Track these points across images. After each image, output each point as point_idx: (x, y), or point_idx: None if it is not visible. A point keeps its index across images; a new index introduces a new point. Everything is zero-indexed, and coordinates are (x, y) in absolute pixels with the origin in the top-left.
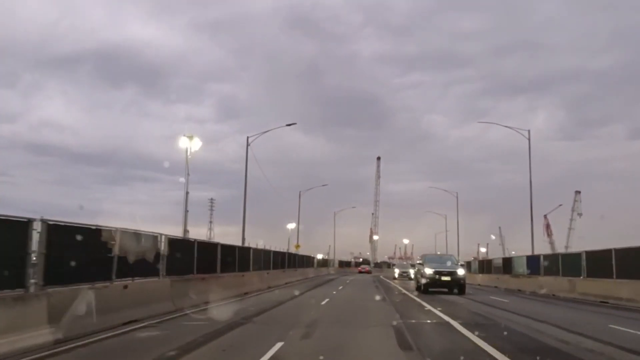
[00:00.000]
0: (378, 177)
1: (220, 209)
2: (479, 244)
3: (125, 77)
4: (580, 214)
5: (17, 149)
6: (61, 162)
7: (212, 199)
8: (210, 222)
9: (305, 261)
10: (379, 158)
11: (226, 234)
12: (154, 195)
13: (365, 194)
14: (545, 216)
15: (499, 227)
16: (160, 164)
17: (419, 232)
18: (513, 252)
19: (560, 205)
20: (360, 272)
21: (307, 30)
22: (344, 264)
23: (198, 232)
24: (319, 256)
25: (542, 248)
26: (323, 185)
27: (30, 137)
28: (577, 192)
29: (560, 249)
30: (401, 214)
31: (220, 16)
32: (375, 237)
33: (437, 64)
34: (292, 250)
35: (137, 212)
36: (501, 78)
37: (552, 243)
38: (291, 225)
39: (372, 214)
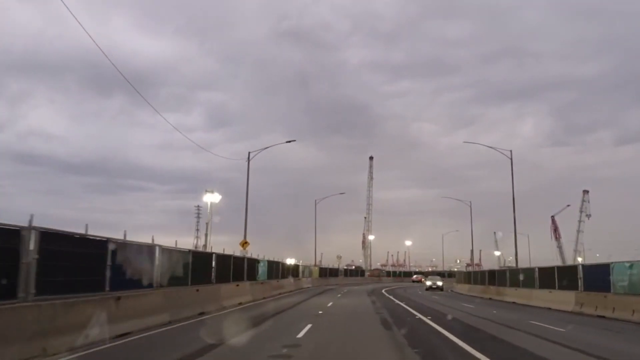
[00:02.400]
0: (370, 178)
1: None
2: (472, 251)
3: (113, 85)
4: (589, 215)
5: (5, 159)
6: (51, 172)
7: (198, 206)
8: (197, 229)
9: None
10: (371, 158)
11: (217, 243)
12: (145, 205)
13: (356, 201)
14: (552, 218)
15: (494, 233)
16: (151, 173)
17: (411, 238)
18: (510, 258)
19: (568, 205)
20: (414, 281)
21: (296, 39)
22: (327, 273)
23: (187, 242)
24: (289, 261)
25: (550, 252)
26: (340, 194)
27: (18, 147)
28: (585, 192)
29: (568, 252)
30: (392, 221)
31: (208, 25)
32: (371, 237)
33: (425, 71)
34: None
35: (128, 222)
36: (489, 85)
37: (560, 247)
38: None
39: (365, 217)
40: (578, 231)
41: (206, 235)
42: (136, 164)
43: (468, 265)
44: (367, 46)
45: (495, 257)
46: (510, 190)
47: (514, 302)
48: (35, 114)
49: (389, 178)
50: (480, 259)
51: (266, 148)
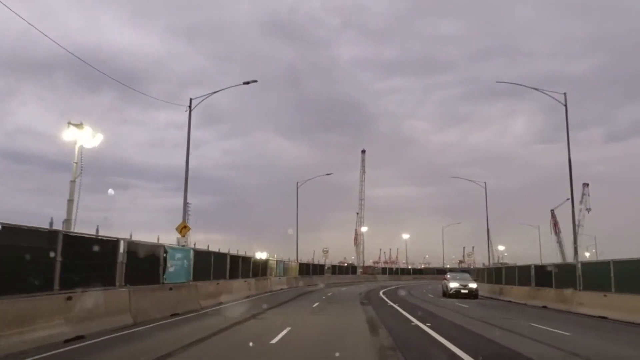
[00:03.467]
0: (363, 172)
1: (201, 215)
2: (464, 248)
3: (102, 82)
4: (589, 209)
5: None
6: (41, 170)
7: (188, 202)
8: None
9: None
10: (363, 151)
11: (208, 242)
12: (136, 203)
13: (349, 200)
14: (552, 212)
15: (487, 229)
16: (142, 171)
17: (404, 236)
18: (506, 254)
19: (568, 199)
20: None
21: (286, 35)
22: (310, 270)
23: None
24: (259, 255)
25: (546, 248)
26: (327, 174)
27: (7, 145)
28: (585, 185)
29: (568, 246)
30: (385, 218)
31: (198, 21)
32: (364, 229)
33: (417, 69)
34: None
35: (119, 220)
36: (480, 83)
37: (560, 242)
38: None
39: (357, 213)
40: (578, 225)
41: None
42: (127, 162)
43: (461, 262)
44: (358, 43)
45: (489, 253)
46: (502, 187)
47: (603, 317)
48: (23, 111)
49: (381, 176)
50: (470, 256)
51: (215, 92)
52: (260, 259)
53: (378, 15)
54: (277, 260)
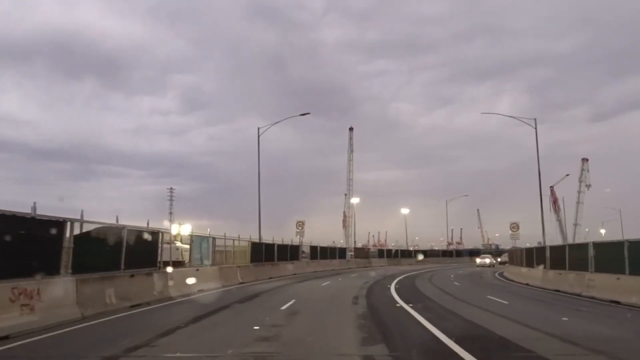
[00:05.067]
0: (351, 151)
1: (187, 202)
2: (452, 230)
3: (83, 69)
4: (588, 186)
5: None
6: (22, 159)
7: (171, 188)
8: (170, 213)
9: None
10: (351, 129)
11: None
12: (122, 191)
13: (336, 184)
14: (551, 188)
15: (477, 210)
16: (127, 158)
17: (392, 219)
18: (497, 235)
19: (568, 175)
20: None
21: (269, 19)
22: (274, 255)
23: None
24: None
25: (549, 226)
26: (303, 114)
27: None
28: (584, 160)
29: (569, 226)
30: (373, 202)
31: (180, 5)
32: (354, 200)
33: (402, 50)
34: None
35: (105, 208)
36: (465, 64)
37: (560, 220)
38: None
39: (345, 195)
40: (578, 203)
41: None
42: (111, 149)
43: (449, 244)
44: (342, 26)
45: (478, 235)
46: (488, 168)
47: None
48: (3, 99)
49: (368, 159)
50: (460, 238)
51: (277, 122)
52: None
53: None
54: (194, 236)
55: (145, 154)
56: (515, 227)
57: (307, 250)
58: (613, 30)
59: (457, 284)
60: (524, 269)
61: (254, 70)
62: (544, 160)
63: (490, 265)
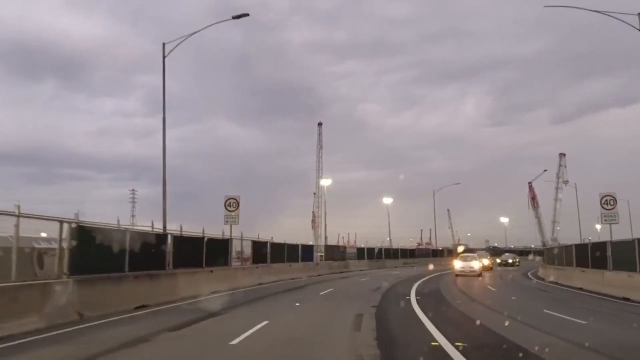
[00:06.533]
0: (320, 147)
1: (151, 206)
2: (422, 230)
3: (43, 70)
4: (566, 182)
5: None
6: None
7: (133, 189)
8: (132, 216)
9: None
10: (320, 124)
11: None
12: (85, 195)
13: (305, 185)
14: (530, 185)
15: (447, 210)
16: (90, 161)
17: (360, 220)
18: (469, 234)
19: (546, 170)
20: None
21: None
22: (155, 258)
23: None
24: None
25: (529, 223)
26: (238, 16)
27: None
28: (562, 155)
29: (547, 224)
30: (341, 203)
31: (142, 3)
32: (325, 182)
33: (369, 52)
34: None
35: (68, 213)
36: (432, 65)
37: (538, 217)
38: None
39: (314, 193)
40: (556, 199)
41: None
42: (73, 152)
43: (419, 244)
44: (308, 26)
45: (448, 235)
46: (455, 169)
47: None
48: None
49: (336, 160)
50: (430, 238)
51: (192, 34)
52: None
53: None
54: None
55: (110, 156)
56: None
57: (247, 249)
58: (576, 33)
59: (493, 289)
60: (575, 271)
61: (220, 70)
62: (509, 161)
63: (479, 274)
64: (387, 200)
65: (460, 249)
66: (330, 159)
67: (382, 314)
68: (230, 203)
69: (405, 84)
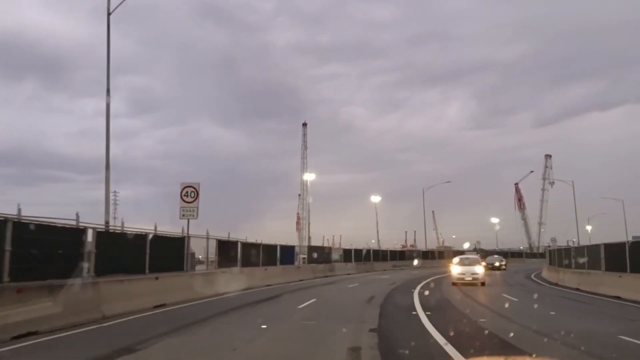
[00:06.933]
0: (305, 147)
1: (134, 206)
2: (406, 232)
3: (24, 69)
4: (552, 183)
5: None
6: None
7: (115, 191)
8: (114, 218)
9: None
10: (304, 124)
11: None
12: (66, 196)
13: (289, 187)
14: (516, 185)
15: (432, 211)
16: (71, 162)
17: (346, 222)
18: (453, 236)
19: (532, 171)
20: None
21: (219, 20)
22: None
23: None
24: None
25: (516, 225)
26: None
27: None
28: (548, 156)
29: (533, 225)
30: (326, 206)
31: (126, 4)
32: (310, 177)
33: (353, 54)
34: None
35: (51, 214)
36: (416, 69)
37: (525, 218)
38: None
39: (299, 195)
40: (542, 201)
41: None
42: (54, 153)
43: (403, 247)
44: (293, 28)
45: (433, 237)
46: (439, 172)
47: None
48: None
49: (320, 163)
50: (415, 240)
51: None
52: None
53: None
54: None
55: (91, 157)
56: None
57: (212, 249)
58: (557, 37)
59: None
60: (605, 275)
61: (205, 71)
62: (493, 164)
63: (482, 283)
64: (375, 199)
65: (466, 245)
66: (314, 161)
67: (387, 345)
68: (187, 192)
69: (390, 87)
